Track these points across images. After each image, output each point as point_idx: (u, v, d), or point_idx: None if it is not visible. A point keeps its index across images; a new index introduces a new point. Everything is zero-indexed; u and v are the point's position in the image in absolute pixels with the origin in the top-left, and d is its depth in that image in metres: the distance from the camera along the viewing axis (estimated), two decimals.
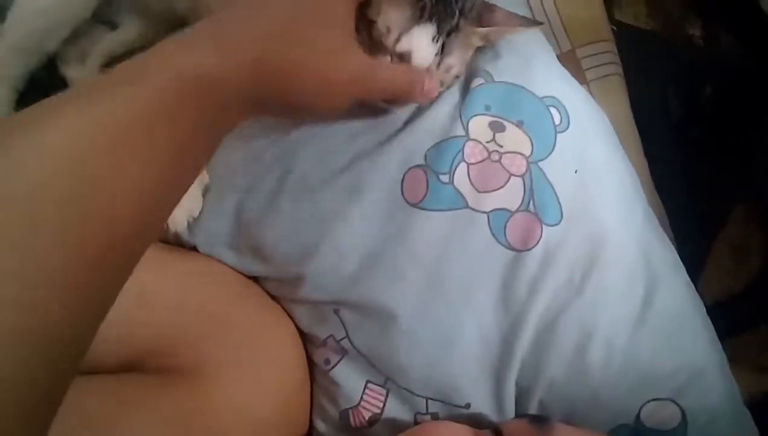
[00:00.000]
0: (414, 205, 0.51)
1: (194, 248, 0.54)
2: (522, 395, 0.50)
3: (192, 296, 0.51)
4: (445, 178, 0.51)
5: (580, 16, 0.64)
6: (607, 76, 0.65)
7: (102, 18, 0.63)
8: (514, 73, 0.53)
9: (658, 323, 0.50)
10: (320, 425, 0.53)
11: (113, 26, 0.64)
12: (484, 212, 0.50)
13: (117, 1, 0.63)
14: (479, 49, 0.53)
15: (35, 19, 0.57)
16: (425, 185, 0.51)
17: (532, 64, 0.54)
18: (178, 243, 0.54)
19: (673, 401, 0.49)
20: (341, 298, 0.51)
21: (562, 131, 0.52)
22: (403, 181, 0.51)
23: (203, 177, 0.53)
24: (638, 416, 0.48)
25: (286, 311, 0.54)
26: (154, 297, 0.50)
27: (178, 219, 0.51)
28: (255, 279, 0.56)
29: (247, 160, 0.54)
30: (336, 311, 0.51)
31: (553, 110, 0.52)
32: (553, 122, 0.52)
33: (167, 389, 0.47)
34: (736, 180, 0.76)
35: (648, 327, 0.50)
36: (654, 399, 0.49)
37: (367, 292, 0.50)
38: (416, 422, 0.51)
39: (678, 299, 0.52)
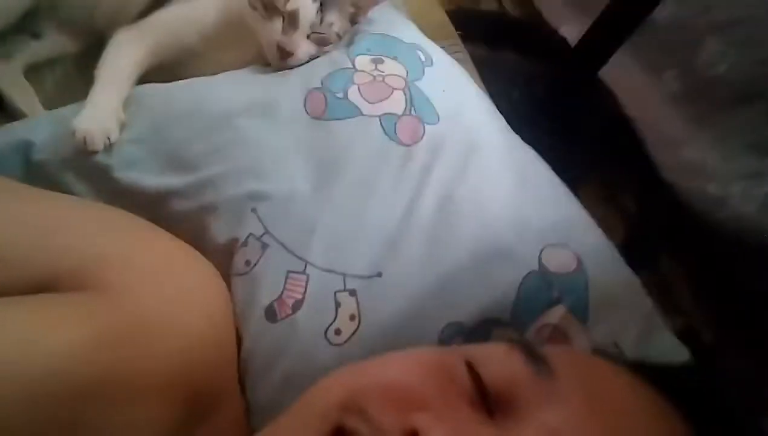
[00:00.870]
0: (317, 119, 0.60)
1: (106, 170, 0.57)
2: None
3: (104, 221, 0.52)
4: (340, 94, 0.61)
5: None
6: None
7: (25, 28, 0.72)
8: (386, 29, 0.68)
9: (535, 189, 0.59)
10: (247, 336, 0.53)
11: (36, 37, 0.73)
12: (376, 116, 0.60)
13: (40, 14, 0.72)
14: (356, 15, 0.68)
15: None
16: (324, 102, 0.61)
17: (398, 25, 0.69)
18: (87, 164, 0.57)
19: (564, 245, 0.55)
20: (254, 189, 0.56)
21: (429, 66, 0.66)
22: (305, 101, 0.61)
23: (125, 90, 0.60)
24: (540, 262, 0.54)
25: (204, 233, 0.57)
26: (67, 222, 0.49)
27: (96, 139, 0.56)
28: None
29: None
30: (253, 210, 0.56)
31: (418, 51, 0.66)
32: (421, 59, 0.66)
33: (90, 303, 0.43)
34: None
35: (527, 191, 0.58)
36: (549, 245, 0.55)
37: (277, 180, 0.56)
38: (336, 301, 0.53)
39: (547, 174, 0.62)
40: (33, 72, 0.72)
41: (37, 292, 0.43)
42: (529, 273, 0.53)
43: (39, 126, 0.60)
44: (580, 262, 0.55)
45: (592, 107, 0.98)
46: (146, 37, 0.66)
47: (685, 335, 0.55)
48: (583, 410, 0.33)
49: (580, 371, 0.37)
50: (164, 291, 0.47)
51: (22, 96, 0.69)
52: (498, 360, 0.36)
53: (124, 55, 0.64)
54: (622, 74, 1.00)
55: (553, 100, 0.95)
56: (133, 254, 0.48)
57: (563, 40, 1.05)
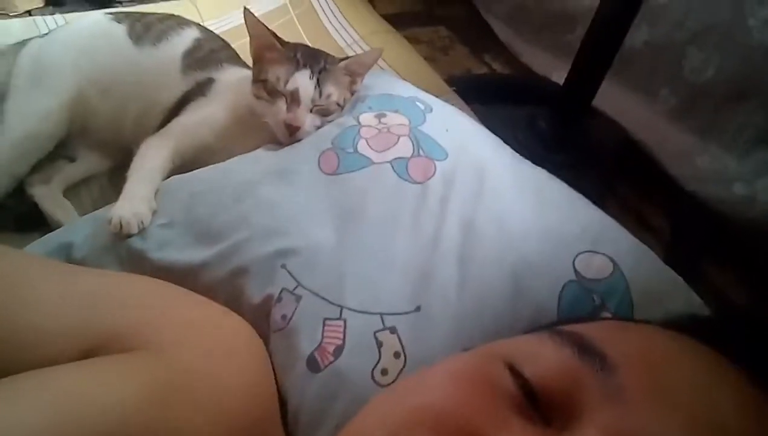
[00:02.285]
0: (330, 175, 0.63)
1: (141, 253, 0.60)
2: None
3: (140, 289, 0.53)
4: (350, 150, 0.64)
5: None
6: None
7: (61, 153, 0.79)
8: (383, 89, 0.73)
9: (554, 203, 0.60)
10: (293, 392, 0.53)
11: (71, 160, 0.79)
12: (387, 162, 0.63)
13: (73, 140, 0.79)
14: (352, 83, 0.73)
15: (16, 149, 0.71)
16: (337, 159, 0.64)
17: (394, 83, 0.74)
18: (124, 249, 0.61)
19: (596, 251, 0.55)
20: (280, 246, 0.57)
21: (429, 112, 0.69)
22: (319, 161, 0.64)
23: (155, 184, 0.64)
24: (576, 270, 0.54)
25: (240, 297, 0.58)
26: (107, 293, 0.51)
27: (131, 222, 0.59)
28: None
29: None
30: (283, 266, 0.57)
31: (417, 102, 0.71)
32: (420, 108, 0.70)
33: (132, 361, 0.45)
34: None
35: (547, 206, 0.59)
36: (580, 253, 0.55)
37: (301, 235, 0.58)
38: (377, 340, 0.53)
39: (562, 188, 0.64)
40: (71, 191, 0.78)
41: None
42: (566, 283, 0.54)
43: (76, 228, 0.64)
44: (615, 265, 0.55)
45: (599, 137, 1.01)
46: (169, 140, 0.72)
47: None
48: (652, 403, 0.29)
49: (637, 351, 0.33)
50: (201, 345, 0.48)
51: (63, 213, 0.74)
52: (542, 355, 0.32)
53: (151, 157, 0.69)
54: (619, 104, 1.04)
55: (557, 135, 0.98)
56: (165, 314, 0.50)
57: (556, 84, 1.10)
